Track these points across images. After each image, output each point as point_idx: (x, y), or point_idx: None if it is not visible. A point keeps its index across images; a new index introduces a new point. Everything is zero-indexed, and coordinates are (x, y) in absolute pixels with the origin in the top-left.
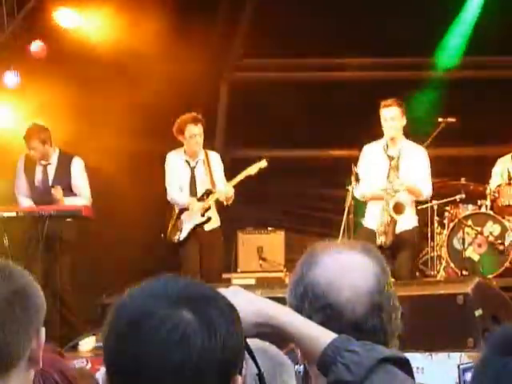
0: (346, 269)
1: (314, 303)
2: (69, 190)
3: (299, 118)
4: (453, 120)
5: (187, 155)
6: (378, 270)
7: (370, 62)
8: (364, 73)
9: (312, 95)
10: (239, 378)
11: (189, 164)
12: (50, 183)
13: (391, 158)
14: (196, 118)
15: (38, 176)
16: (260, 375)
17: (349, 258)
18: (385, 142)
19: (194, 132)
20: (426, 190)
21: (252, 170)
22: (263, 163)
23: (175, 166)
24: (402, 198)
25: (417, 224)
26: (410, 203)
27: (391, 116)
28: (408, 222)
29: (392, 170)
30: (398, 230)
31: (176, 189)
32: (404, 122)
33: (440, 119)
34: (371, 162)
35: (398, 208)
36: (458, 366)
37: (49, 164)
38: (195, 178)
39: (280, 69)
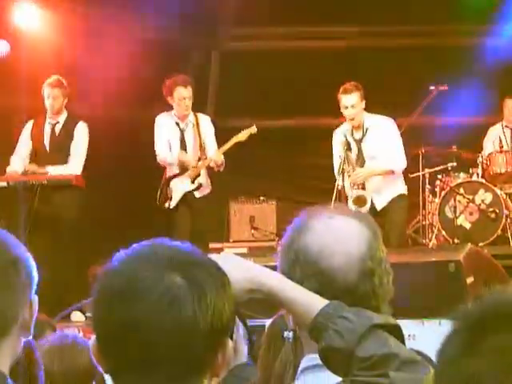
0: (338, 234)
1: (306, 269)
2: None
3: (292, 87)
4: (444, 88)
5: (177, 117)
6: (370, 234)
7: (358, 30)
8: (356, 41)
9: (305, 64)
10: (230, 343)
11: (179, 126)
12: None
13: (358, 142)
14: (186, 80)
15: (47, 136)
16: (251, 342)
17: (341, 224)
18: (350, 127)
19: (184, 94)
20: (396, 164)
21: (242, 136)
22: (253, 129)
23: (165, 128)
24: (361, 192)
25: (402, 191)
26: (386, 178)
27: (352, 103)
28: (390, 193)
29: (348, 163)
30: (385, 203)
31: (166, 149)
32: (363, 104)
33: (432, 87)
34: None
35: (359, 201)
36: None
37: (57, 123)
38: (185, 140)
39: (273, 38)
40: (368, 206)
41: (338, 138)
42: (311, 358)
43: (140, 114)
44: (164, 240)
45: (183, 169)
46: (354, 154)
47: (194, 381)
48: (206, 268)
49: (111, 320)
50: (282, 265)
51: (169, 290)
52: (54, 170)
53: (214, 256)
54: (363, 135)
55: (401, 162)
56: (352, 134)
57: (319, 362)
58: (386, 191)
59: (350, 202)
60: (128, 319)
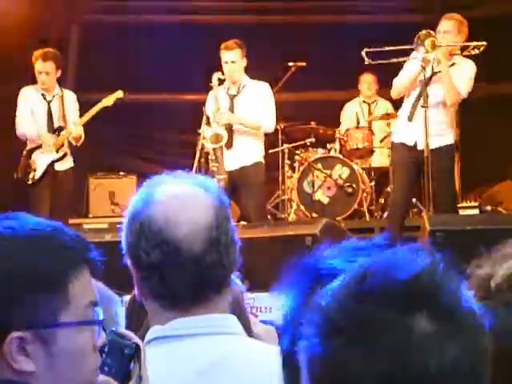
0: (184, 204)
1: (151, 240)
2: None
3: (156, 61)
4: (302, 64)
5: (42, 89)
6: (217, 203)
7: (222, 5)
8: (221, 16)
9: (169, 39)
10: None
11: (45, 98)
12: None
13: (231, 97)
14: (46, 53)
15: None
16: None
17: (186, 193)
18: (226, 84)
19: (40, 68)
20: (265, 121)
21: (108, 101)
22: (119, 94)
23: (29, 100)
24: (219, 130)
25: (260, 160)
26: (248, 136)
27: (231, 59)
28: (248, 156)
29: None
30: (237, 165)
31: (26, 122)
32: (244, 63)
33: (290, 63)
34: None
35: (216, 138)
36: None
37: None
38: (51, 112)
39: (135, 11)
40: (223, 143)
41: (216, 94)
42: (155, 330)
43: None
44: None
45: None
46: (224, 110)
47: None
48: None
49: None
50: (127, 236)
51: None
52: None
53: None
54: (238, 92)
55: (270, 121)
56: (228, 91)
57: (162, 333)
58: (248, 153)
59: (207, 145)
60: None
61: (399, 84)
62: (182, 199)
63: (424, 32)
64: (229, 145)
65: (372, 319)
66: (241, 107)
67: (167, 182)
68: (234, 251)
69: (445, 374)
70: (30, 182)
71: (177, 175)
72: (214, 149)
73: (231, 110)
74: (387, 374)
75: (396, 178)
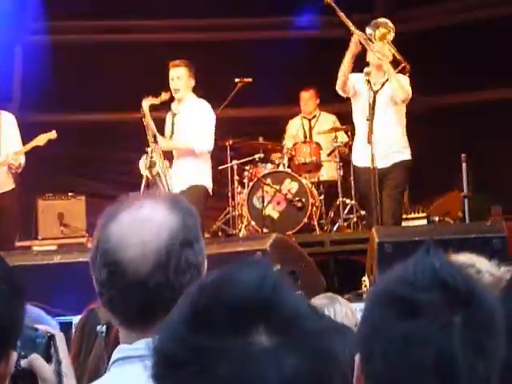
0: (139, 224)
1: (103, 259)
2: None
3: (103, 81)
4: (249, 80)
5: None
6: (177, 224)
7: (168, 24)
8: (166, 35)
9: (113, 58)
10: (14, 354)
11: None
12: None
13: (174, 115)
14: None
15: None
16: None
17: (146, 213)
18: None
19: None
20: (196, 144)
21: (41, 140)
22: (53, 134)
23: None
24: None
25: (197, 183)
26: (185, 157)
27: (177, 76)
28: (186, 180)
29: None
30: (178, 189)
31: None
32: (192, 83)
33: (237, 79)
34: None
35: (150, 165)
36: None
37: None
38: None
39: (80, 31)
40: (156, 169)
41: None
42: (122, 350)
43: None
44: None
45: None
46: (169, 128)
47: None
48: None
49: None
50: (90, 254)
51: None
52: None
53: None
54: (179, 111)
55: (202, 143)
56: (172, 110)
57: (130, 353)
58: (187, 175)
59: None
60: None
61: (341, 73)
62: (138, 219)
63: (384, 21)
64: (170, 165)
65: (209, 348)
66: (180, 126)
67: (133, 202)
68: (189, 274)
69: None
70: None
71: (147, 196)
72: (153, 176)
73: (172, 128)
74: None
75: (368, 202)
